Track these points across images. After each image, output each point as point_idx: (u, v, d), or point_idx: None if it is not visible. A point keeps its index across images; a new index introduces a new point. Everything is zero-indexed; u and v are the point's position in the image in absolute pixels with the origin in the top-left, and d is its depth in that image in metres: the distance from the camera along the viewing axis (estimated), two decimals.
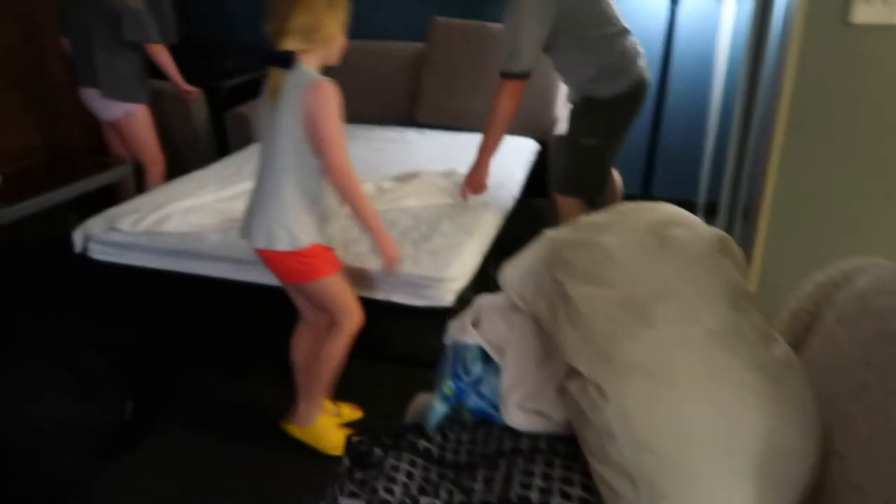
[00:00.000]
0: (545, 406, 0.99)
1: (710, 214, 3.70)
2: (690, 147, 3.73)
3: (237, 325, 2.61)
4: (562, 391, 0.95)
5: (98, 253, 2.39)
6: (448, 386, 1.08)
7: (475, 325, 1.11)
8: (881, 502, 0.78)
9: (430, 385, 2.32)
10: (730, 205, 3.10)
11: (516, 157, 3.13)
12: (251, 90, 3.85)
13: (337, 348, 1.91)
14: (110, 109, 3.10)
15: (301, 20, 1.58)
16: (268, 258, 1.80)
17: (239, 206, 2.47)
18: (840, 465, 0.87)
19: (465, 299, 2.18)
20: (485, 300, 1.17)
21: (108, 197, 3.29)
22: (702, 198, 3.82)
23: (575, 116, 2.63)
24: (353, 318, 1.92)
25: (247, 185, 2.68)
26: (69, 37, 3.06)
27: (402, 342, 2.47)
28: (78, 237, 2.37)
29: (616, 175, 3.02)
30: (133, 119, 3.13)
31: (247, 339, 2.60)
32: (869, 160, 1.89)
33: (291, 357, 2.06)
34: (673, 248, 0.92)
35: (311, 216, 1.77)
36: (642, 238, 0.94)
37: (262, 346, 2.53)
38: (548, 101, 3.43)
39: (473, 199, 2.56)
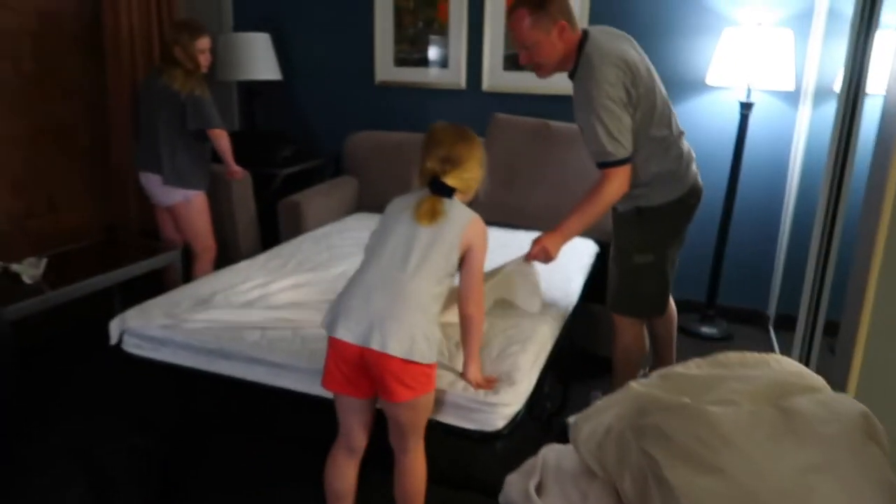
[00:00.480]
0: None
1: (783, 327, 3.44)
2: (761, 255, 3.51)
3: (268, 430, 2.44)
4: None
5: (132, 346, 2.27)
6: None
7: (540, 490, 0.92)
8: None
9: None
10: (809, 319, 2.85)
11: (576, 260, 2.96)
12: (305, 179, 3.83)
13: (423, 469, 1.87)
14: (169, 195, 3.11)
15: (468, 170, 1.83)
16: (394, 368, 1.68)
17: (281, 301, 2.37)
18: None
19: (517, 422, 1.98)
20: (551, 456, 0.98)
21: (157, 280, 3.25)
22: (773, 309, 3.56)
23: (624, 229, 2.41)
24: (422, 441, 1.86)
25: (293, 280, 2.60)
26: (138, 122, 3.13)
27: (447, 463, 2.27)
28: (114, 328, 2.28)
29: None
30: (190, 205, 3.13)
31: (278, 446, 2.42)
32: None
33: (330, 483, 1.88)
34: (805, 428, 0.72)
35: (440, 333, 1.79)
36: (761, 411, 0.75)
37: (292, 453, 2.36)
38: None
39: (530, 308, 2.36)
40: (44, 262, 2.74)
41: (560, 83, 3.54)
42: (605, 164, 2.16)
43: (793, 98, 3.22)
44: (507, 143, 3.47)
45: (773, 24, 3.11)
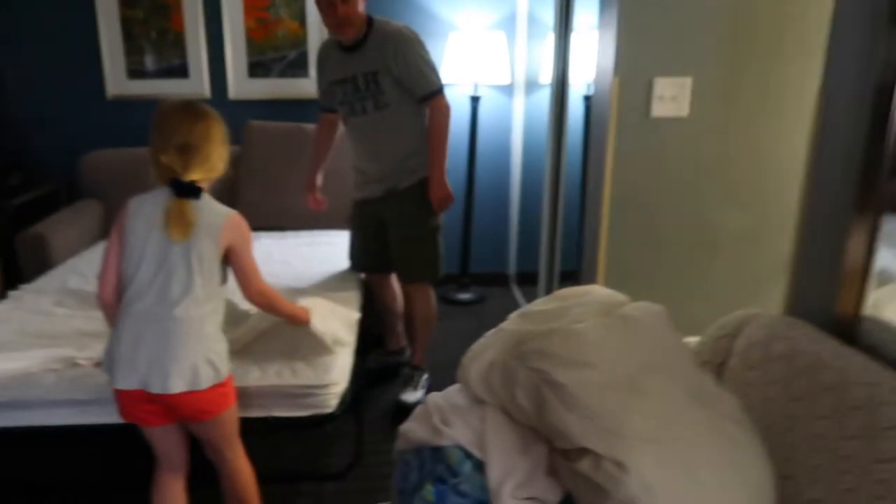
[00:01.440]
0: (538, 492, 1.03)
1: (523, 283, 4.04)
2: (498, 226, 4.06)
3: (84, 478, 2.26)
4: (555, 473, 1.00)
5: None
6: (429, 491, 1.08)
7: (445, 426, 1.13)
8: None
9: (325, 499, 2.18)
10: (548, 272, 3.43)
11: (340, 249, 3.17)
12: (38, 208, 3.46)
13: (248, 471, 1.86)
14: None
15: (211, 155, 1.66)
16: (182, 401, 1.62)
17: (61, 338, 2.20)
18: (792, 485, 1.03)
19: (345, 401, 2.13)
20: (438, 400, 1.19)
21: None
22: (513, 269, 4.15)
23: (413, 202, 2.61)
24: (240, 445, 1.85)
25: (55, 317, 2.40)
26: None
27: (277, 459, 2.34)
28: None
29: None
30: None
31: (95, 488, 2.26)
32: (673, 222, 2.23)
33: None
34: (637, 326, 1.04)
35: (225, 343, 1.72)
36: (606, 321, 1.05)
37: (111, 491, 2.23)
38: None
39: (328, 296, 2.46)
40: None
41: (304, 88, 3.71)
42: (431, 95, 2.50)
43: (509, 90, 3.78)
44: (263, 149, 3.54)
45: (487, 28, 3.62)
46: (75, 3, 3.56)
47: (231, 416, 1.77)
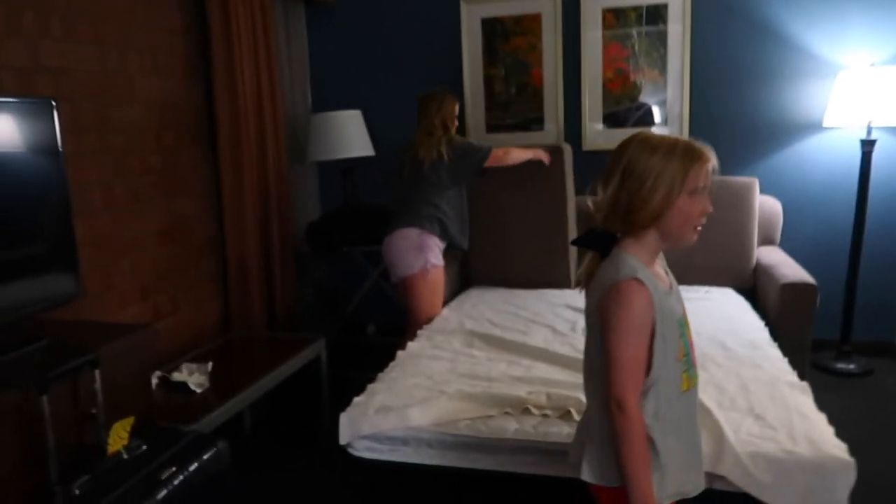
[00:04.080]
0: None
1: None
2: (889, 288, 3.50)
3: None
4: None
5: (364, 450, 2.06)
6: None
7: None
8: None
9: None
10: None
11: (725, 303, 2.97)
12: None
13: None
14: None
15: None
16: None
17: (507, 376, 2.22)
18: None
19: None
20: None
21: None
22: None
23: None
24: None
25: (476, 359, 2.43)
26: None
27: None
28: (345, 428, 2.05)
29: None
30: None
31: None
32: None
33: None
34: None
35: None
36: None
37: None
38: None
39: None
40: (209, 366, 2.49)
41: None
42: None
43: None
44: None
45: (877, 65, 3.23)
46: (446, 68, 3.83)
47: None
